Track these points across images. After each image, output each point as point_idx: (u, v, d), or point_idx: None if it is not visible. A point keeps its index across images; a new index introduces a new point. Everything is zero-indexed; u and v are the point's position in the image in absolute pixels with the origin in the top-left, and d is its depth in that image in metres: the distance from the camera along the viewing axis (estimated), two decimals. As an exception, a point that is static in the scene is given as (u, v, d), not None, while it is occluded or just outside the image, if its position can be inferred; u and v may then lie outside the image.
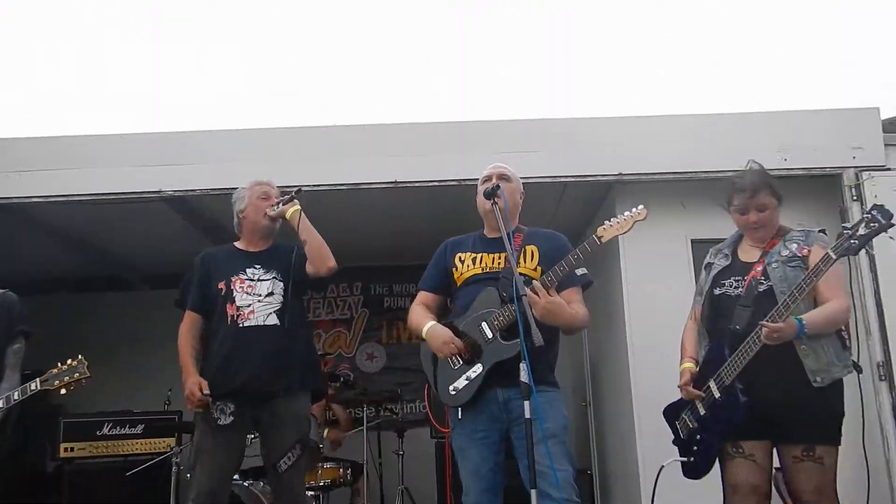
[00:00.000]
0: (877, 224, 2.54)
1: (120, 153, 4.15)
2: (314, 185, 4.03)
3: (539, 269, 2.81)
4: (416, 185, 4.06)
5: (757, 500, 2.67)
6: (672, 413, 2.93)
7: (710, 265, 2.97)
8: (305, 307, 3.37)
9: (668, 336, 3.22)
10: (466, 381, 2.76)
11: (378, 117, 4.55)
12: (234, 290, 3.15)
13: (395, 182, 4.07)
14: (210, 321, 3.19)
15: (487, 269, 2.83)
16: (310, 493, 4.72)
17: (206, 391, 2.96)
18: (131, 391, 5.63)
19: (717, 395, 2.71)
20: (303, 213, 3.17)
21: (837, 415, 2.69)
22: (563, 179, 4.06)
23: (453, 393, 2.79)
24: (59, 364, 2.95)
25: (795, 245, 2.76)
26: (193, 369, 3.08)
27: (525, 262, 2.87)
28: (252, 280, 3.17)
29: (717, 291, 2.86)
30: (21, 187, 4.10)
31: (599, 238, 2.70)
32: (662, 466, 2.96)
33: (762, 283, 2.74)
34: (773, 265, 2.76)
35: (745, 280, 2.78)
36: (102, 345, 5.99)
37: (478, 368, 2.75)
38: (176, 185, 4.09)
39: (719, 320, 2.81)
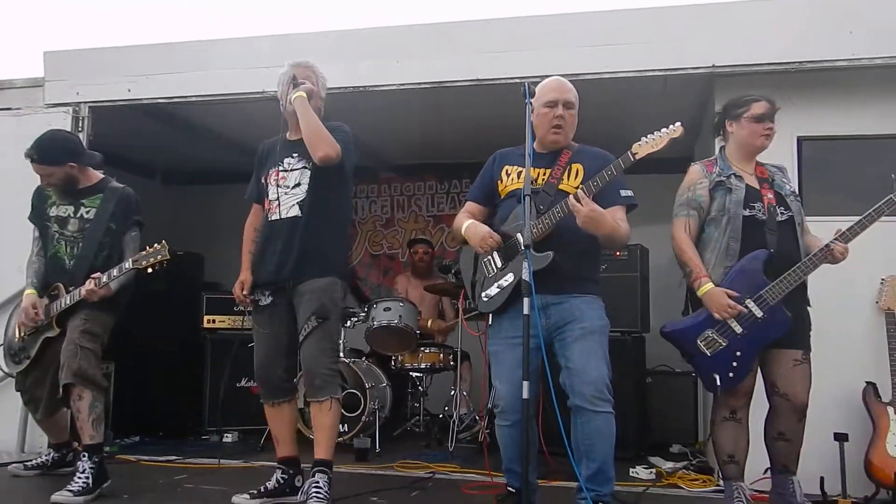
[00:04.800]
0: None
1: (230, 56, 4.49)
2: (401, 83, 4.17)
3: (581, 187, 2.78)
4: (499, 82, 4.01)
5: (748, 399, 2.98)
6: (688, 332, 2.94)
7: (721, 184, 2.95)
8: (341, 198, 3.29)
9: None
10: (498, 289, 2.86)
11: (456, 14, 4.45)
12: (269, 184, 3.23)
13: (478, 80, 4.05)
14: None
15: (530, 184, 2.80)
16: (414, 374, 5.15)
17: (247, 292, 3.22)
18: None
19: (759, 314, 2.81)
20: (303, 100, 3.09)
21: None
22: (648, 73, 3.80)
23: (486, 300, 2.90)
24: (147, 247, 3.36)
25: (784, 180, 3.03)
26: (246, 265, 3.28)
27: (569, 179, 2.88)
28: (286, 171, 3.20)
29: (746, 213, 2.91)
30: (149, 89, 4.61)
31: (634, 154, 2.68)
32: (716, 382, 2.92)
33: (782, 213, 2.93)
34: (791, 198, 2.97)
35: (763, 205, 2.92)
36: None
37: (510, 277, 2.83)
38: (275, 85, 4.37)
39: (747, 241, 2.89)
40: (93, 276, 3.36)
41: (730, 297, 2.83)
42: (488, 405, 4.47)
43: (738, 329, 2.83)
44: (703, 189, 2.97)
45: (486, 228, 2.89)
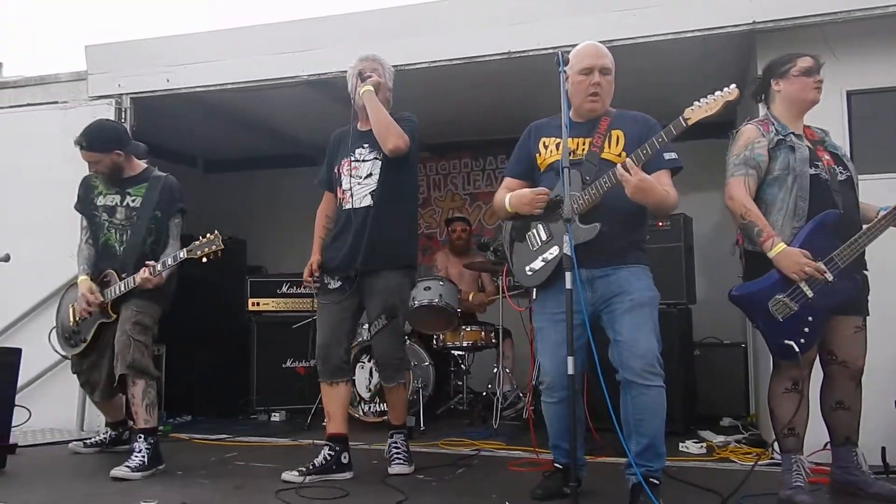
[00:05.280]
0: None
1: (262, 43, 4.51)
2: (431, 61, 4.13)
3: (624, 154, 2.73)
4: (530, 54, 3.93)
5: (810, 369, 2.85)
6: (759, 296, 2.78)
7: (783, 142, 2.83)
8: (409, 187, 3.47)
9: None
10: (543, 263, 2.82)
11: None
12: (342, 174, 3.37)
13: (509, 53, 3.98)
14: None
15: (570, 155, 2.72)
16: (456, 352, 5.16)
17: (316, 274, 3.39)
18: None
19: (829, 278, 2.70)
20: (371, 93, 3.24)
21: None
22: (686, 35, 3.66)
23: (530, 274, 2.86)
24: (200, 237, 3.42)
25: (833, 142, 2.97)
26: (316, 249, 3.46)
27: (610, 147, 2.80)
28: (358, 161, 3.35)
29: (812, 171, 2.80)
30: (186, 78, 4.66)
31: (686, 120, 2.59)
32: (794, 349, 2.76)
33: (841, 172, 2.85)
34: (845, 158, 2.91)
35: (823, 164, 2.83)
36: (293, 215, 6.84)
37: (554, 250, 2.78)
38: (311, 69, 4.37)
39: (818, 202, 2.77)
40: (147, 263, 3.44)
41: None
42: (534, 381, 4.45)
43: (810, 293, 2.70)
44: (762, 148, 2.84)
45: (529, 190, 2.83)
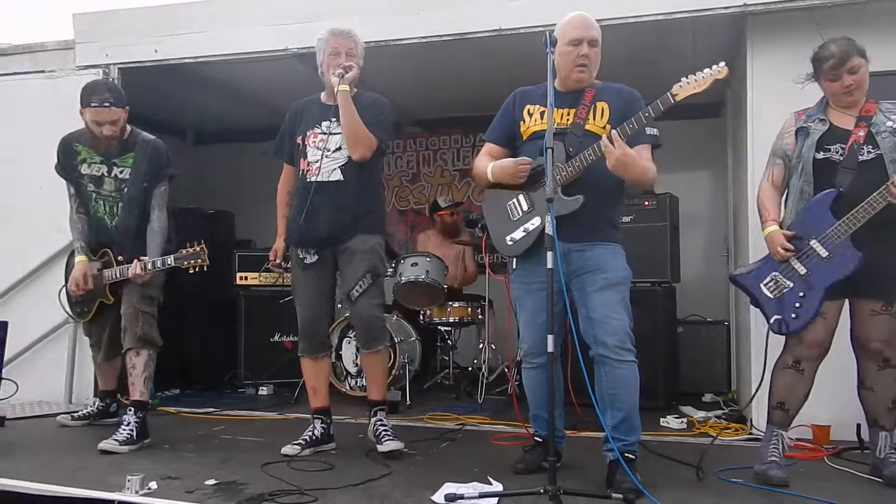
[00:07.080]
0: None
1: (251, 14, 4.46)
2: (422, 37, 4.11)
3: (608, 126, 2.75)
4: (521, 31, 3.92)
5: (819, 352, 2.86)
6: (753, 277, 2.92)
7: (803, 129, 2.88)
8: (378, 162, 3.43)
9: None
10: (524, 233, 2.85)
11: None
12: (307, 145, 3.29)
13: (500, 30, 3.97)
14: None
15: (554, 125, 2.73)
16: (442, 328, 5.20)
17: (279, 260, 3.43)
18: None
19: (823, 253, 2.76)
20: (346, 94, 3.13)
21: None
22: (676, 15, 3.66)
23: (510, 243, 2.89)
24: (188, 246, 3.40)
25: (893, 116, 2.82)
26: (280, 231, 3.43)
27: (594, 118, 2.82)
28: (325, 133, 3.25)
29: (819, 156, 2.84)
30: (175, 49, 4.60)
31: (674, 96, 2.62)
32: (770, 325, 2.90)
33: (868, 151, 2.79)
34: (884, 135, 2.79)
35: (845, 145, 2.81)
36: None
37: (536, 221, 2.81)
38: (299, 42, 4.33)
39: (821, 184, 2.83)
40: (140, 258, 3.43)
41: (787, 237, 2.80)
42: (516, 354, 4.50)
43: (802, 270, 2.79)
44: (790, 137, 2.94)
45: (511, 161, 2.85)
